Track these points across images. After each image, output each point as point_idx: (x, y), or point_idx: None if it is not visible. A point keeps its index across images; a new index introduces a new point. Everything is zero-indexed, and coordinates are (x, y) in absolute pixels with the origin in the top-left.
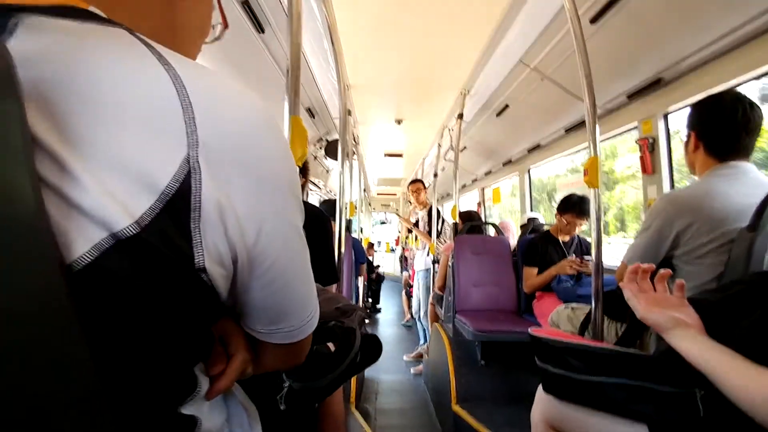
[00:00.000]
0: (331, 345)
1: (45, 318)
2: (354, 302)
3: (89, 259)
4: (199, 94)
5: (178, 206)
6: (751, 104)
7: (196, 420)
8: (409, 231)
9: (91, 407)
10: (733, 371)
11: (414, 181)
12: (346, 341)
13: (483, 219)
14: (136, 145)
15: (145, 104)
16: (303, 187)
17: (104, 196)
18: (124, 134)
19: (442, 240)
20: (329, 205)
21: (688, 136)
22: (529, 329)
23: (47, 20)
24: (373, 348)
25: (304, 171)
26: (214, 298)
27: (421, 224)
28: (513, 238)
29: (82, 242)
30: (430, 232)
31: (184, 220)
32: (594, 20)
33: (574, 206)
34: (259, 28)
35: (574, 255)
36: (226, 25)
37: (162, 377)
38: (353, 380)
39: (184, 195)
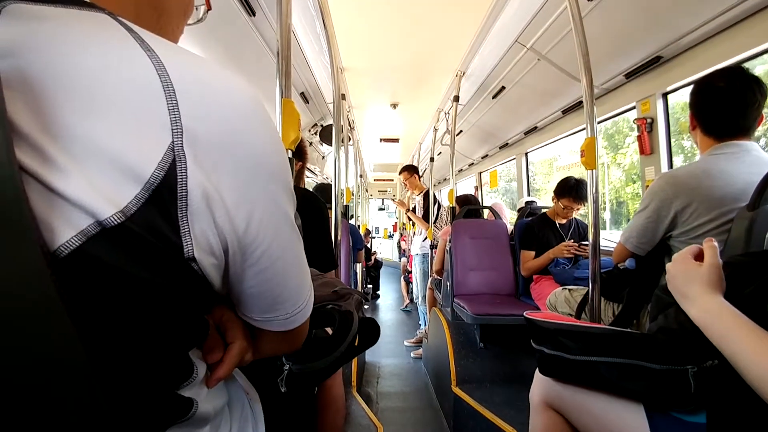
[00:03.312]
0: (329, 330)
1: (29, 299)
2: (353, 288)
3: (75, 245)
4: (182, 80)
5: (164, 195)
6: (746, 81)
7: (192, 402)
8: (408, 218)
9: (83, 387)
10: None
11: (402, 170)
12: (344, 324)
13: (480, 203)
14: (119, 133)
15: (127, 92)
16: (301, 172)
17: (88, 185)
18: (106, 123)
19: (438, 225)
20: (323, 190)
21: (690, 116)
22: (524, 312)
23: (29, 6)
24: (371, 331)
25: (301, 155)
26: (205, 287)
27: (417, 209)
28: (505, 220)
29: (67, 229)
30: (425, 216)
31: (171, 209)
32: None
33: (571, 190)
34: (250, 10)
35: (571, 240)
36: (209, 6)
37: (154, 362)
38: (354, 365)
39: (170, 184)
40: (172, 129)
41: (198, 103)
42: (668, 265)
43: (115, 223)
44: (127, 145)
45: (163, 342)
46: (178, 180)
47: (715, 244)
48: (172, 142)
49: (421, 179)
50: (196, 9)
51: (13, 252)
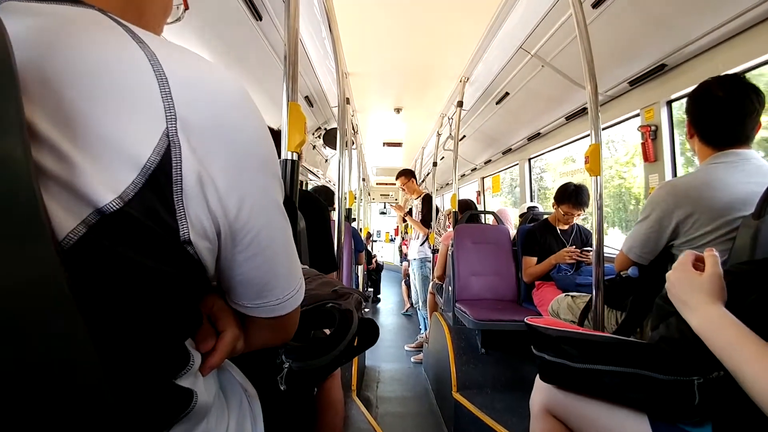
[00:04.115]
0: (327, 331)
1: (45, 296)
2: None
3: (78, 235)
4: (174, 70)
5: (160, 180)
6: (745, 90)
7: (192, 392)
8: (404, 220)
9: (90, 374)
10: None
11: (399, 175)
12: (344, 322)
13: (483, 208)
14: (116, 122)
15: (123, 81)
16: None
17: (87, 173)
18: (105, 111)
19: (435, 230)
20: (324, 193)
21: (687, 124)
22: (525, 318)
23: (24, 3)
24: (370, 332)
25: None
26: (200, 271)
27: (414, 212)
28: (510, 225)
29: (71, 219)
30: (423, 220)
31: (167, 193)
32: (596, 5)
33: (570, 196)
34: (257, 15)
35: (574, 246)
36: (186, 6)
37: (153, 349)
38: (354, 368)
39: (165, 168)
40: (166, 116)
41: (189, 91)
42: (668, 274)
43: (114, 209)
44: (124, 132)
45: (162, 331)
46: (173, 164)
47: (716, 253)
48: (167, 128)
49: (421, 184)
50: (176, 8)
51: (30, 251)
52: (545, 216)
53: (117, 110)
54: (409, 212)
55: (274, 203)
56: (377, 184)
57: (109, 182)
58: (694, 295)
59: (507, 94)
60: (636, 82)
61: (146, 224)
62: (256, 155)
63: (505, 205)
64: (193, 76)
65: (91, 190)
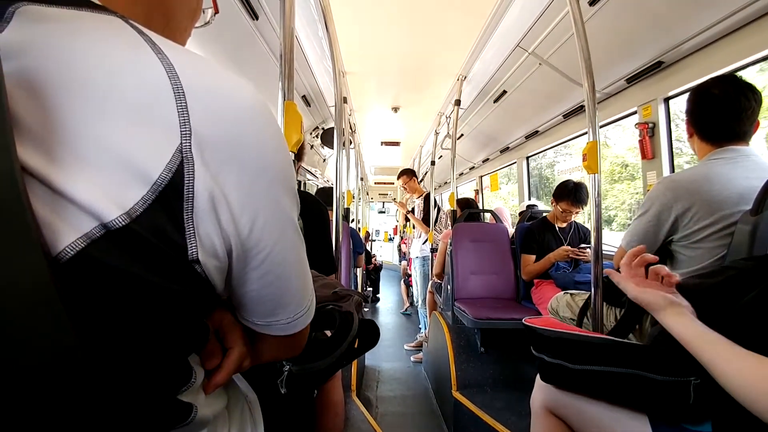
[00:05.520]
0: (328, 333)
1: (28, 303)
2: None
3: (78, 249)
4: (192, 83)
5: (170, 197)
6: (740, 88)
7: (191, 407)
8: (407, 219)
9: (82, 392)
10: (731, 360)
11: (400, 175)
12: (344, 324)
13: (482, 206)
14: (128, 135)
15: (137, 93)
16: (296, 171)
17: (94, 187)
18: (115, 124)
19: (438, 228)
20: (326, 193)
21: (686, 124)
22: (523, 319)
23: (42, 8)
24: (370, 333)
25: (298, 155)
26: (208, 289)
27: (416, 211)
28: (507, 223)
29: (70, 232)
30: (426, 219)
31: (177, 211)
32: (593, 2)
33: (569, 194)
34: (253, 14)
35: (570, 245)
36: (216, 10)
37: (154, 366)
38: (354, 368)
39: (177, 185)
40: (181, 131)
41: (207, 106)
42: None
43: (120, 225)
44: (136, 147)
45: (164, 346)
46: (185, 182)
47: (617, 276)
48: (181, 143)
49: (421, 183)
50: (204, 12)
51: (12, 253)
52: (544, 214)
53: (128, 122)
54: (412, 211)
55: (289, 220)
56: (375, 183)
57: (116, 197)
58: (653, 312)
59: (504, 92)
60: (633, 79)
61: (153, 242)
62: (271, 170)
63: (512, 195)
64: (212, 89)
65: (95, 203)
